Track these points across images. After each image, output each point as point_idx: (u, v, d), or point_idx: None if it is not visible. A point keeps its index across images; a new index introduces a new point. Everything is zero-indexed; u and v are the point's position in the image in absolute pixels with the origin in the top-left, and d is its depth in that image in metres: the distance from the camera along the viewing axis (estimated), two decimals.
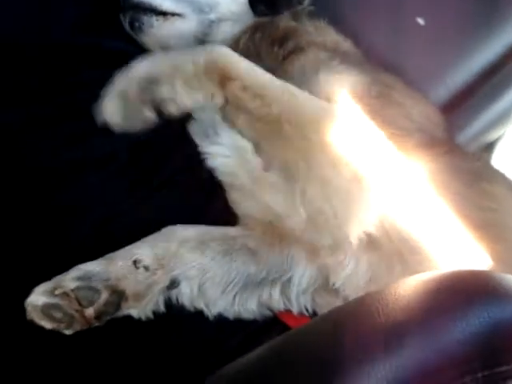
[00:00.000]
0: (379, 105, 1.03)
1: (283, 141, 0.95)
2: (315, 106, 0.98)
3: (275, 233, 1.00)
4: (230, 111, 0.98)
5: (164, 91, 0.92)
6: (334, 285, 0.97)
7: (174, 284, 0.91)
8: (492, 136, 1.36)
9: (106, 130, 0.94)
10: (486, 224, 0.96)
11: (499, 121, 1.33)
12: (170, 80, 0.93)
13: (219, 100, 0.97)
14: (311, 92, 1.00)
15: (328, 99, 1.01)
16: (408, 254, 0.93)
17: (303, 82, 1.03)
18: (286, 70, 1.09)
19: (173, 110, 0.93)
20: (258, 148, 0.99)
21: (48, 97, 1.00)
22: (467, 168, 1.03)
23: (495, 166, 1.23)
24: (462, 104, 1.32)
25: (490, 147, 1.37)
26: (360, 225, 0.93)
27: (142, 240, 0.91)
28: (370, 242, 0.94)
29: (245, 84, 0.95)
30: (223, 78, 0.95)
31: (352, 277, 0.95)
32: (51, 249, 0.94)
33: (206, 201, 1.05)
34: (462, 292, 0.56)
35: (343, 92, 1.02)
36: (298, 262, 0.99)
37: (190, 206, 1.04)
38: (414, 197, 0.96)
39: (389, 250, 0.94)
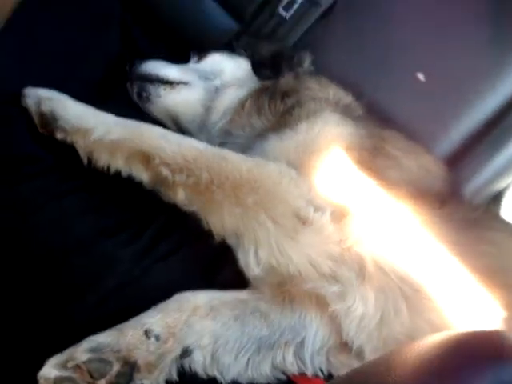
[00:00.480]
0: (370, 156, 1.05)
1: (220, 209, 0.96)
2: (254, 168, 0.99)
3: (285, 293, 1.00)
4: (165, 190, 0.99)
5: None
6: (347, 335, 0.96)
7: (186, 353, 0.90)
8: (500, 185, 1.35)
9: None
10: (486, 269, 0.95)
11: (505, 170, 1.33)
12: None
13: (145, 178, 0.99)
14: (306, 142, 1.04)
15: (321, 149, 1.03)
16: (412, 295, 0.93)
17: (300, 132, 1.07)
18: (285, 122, 1.13)
19: None
20: (204, 220, 0.99)
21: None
22: (464, 217, 1.04)
23: (498, 214, 1.24)
24: (467, 155, 1.31)
25: (498, 196, 1.36)
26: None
27: (152, 308, 0.92)
28: (372, 281, 0.94)
29: (165, 160, 0.97)
30: (144, 157, 0.98)
31: (363, 321, 0.94)
32: (64, 318, 0.94)
33: (216, 265, 1.05)
34: (470, 357, 0.55)
35: (336, 143, 1.04)
36: (310, 321, 0.99)
37: (200, 271, 1.04)
38: (408, 241, 0.98)
39: (393, 291, 0.93)
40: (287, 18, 1.44)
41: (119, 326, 0.88)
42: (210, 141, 1.24)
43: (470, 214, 1.06)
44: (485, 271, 0.95)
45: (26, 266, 0.96)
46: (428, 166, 1.14)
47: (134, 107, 1.32)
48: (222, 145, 1.22)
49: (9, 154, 0.98)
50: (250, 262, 0.98)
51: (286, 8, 1.43)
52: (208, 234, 1.00)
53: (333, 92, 1.27)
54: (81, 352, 0.82)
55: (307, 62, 1.34)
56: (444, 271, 0.96)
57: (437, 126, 1.34)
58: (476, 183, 1.32)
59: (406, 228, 0.99)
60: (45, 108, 1.01)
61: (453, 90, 1.34)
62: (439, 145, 1.32)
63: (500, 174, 1.34)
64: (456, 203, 1.07)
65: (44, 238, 0.96)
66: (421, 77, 1.35)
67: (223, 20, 1.52)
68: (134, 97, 1.32)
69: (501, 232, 1.06)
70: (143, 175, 0.99)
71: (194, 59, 1.42)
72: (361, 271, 0.95)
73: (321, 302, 0.98)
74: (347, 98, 1.28)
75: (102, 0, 1.49)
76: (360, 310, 0.94)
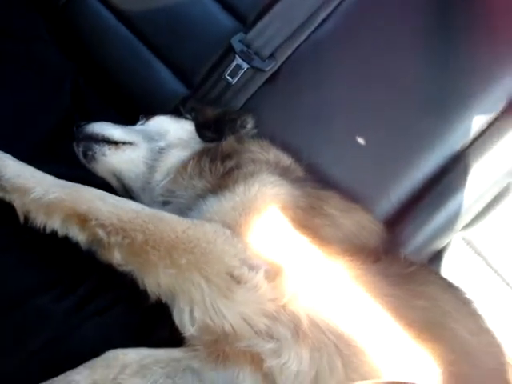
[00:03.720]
0: (306, 215, 1.08)
1: (155, 269, 0.98)
2: (189, 228, 1.01)
3: (220, 351, 0.99)
4: (101, 250, 1.00)
5: None
6: None
7: None
8: (440, 244, 1.38)
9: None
10: (419, 323, 0.97)
11: (445, 229, 1.36)
12: None
13: (82, 239, 1.00)
14: (243, 203, 1.07)
15: (257, 210, 1.06)
16: (348, 351, 0.94)
17: (237, 193, 1.10)
18: (225, 183, 1.15)
19: None
20: (140, 279, 1.00)
21: None
22: (399, 272, 1.06)
23: (433, 270, 1.27)
24: (407, 215, 1.34)
25: (439, 254, 1.39)
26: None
27: (82, 365, 0.90)
28: (307, 338, 0.95)
29: (101, 222, 0.99)
30: (81, 219, 1.00)
31: (297, 378, 0.94)
32: None
33: (151, 322, 1.05)
34: None
35: (272, 203, 1.07)
36: (243, 378, 0.98)
37: (134, 329, 1.04)
38: (343, 297, 1.00)
39: (328, 348, 0.94)
40: (233, 83, 1.49)
41: (48, 382, 0.86)
42: (153, 200, 1.27)
43: (405, 269, 1.08)
44: (418, 325, 0.97)
45: None
46: (363, 222, 1.17)
47: (80, 167, 1.34)
48: (164, 204, 1.24)
49: None
50: (185, 322, 0.98)
51: (232, 74, 1.49)
52: (143, 293, 1.00)
53: (273, 154, 1.32)
54: None
55: (250, 124, 1.39)
56: (378, 325, 0.97)
57: (375, 187, 1.37)
58: (417, 242, 1.35)
59: (340, 284, 1.01)
60: None
61: (391, 150, 1.38)
62: (379, 205, 1.35)
63: (440, 232, 1.36)
64: (391, 258, 1.10)
65: None
66: (361, 141, 1.40)
67: (172, 85, 1.58)
68: (80, 156, 1.34)
69: (435, 285, 1.09)
70: (79, 236, 1.00)
71: (141, 121, 1.46)
72: (296, 328, 0.96)
73: (256, 359, 0.97)
74: (287, 160, 1.32)
75: (55, 63, 1.54)
76: (295, 366, 0.94)
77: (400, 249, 1.28)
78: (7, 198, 1.02)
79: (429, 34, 1.42)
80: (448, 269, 1.36)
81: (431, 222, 1.35)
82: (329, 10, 1.47)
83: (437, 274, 1.23)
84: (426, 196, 1.37)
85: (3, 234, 1.02)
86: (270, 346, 0.96)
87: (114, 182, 1.35)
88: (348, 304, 0.99)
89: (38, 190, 1.01)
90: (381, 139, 1.39)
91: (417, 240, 1.35)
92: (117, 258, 0.99)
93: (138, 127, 1.43)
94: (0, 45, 1.44)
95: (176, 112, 1.49)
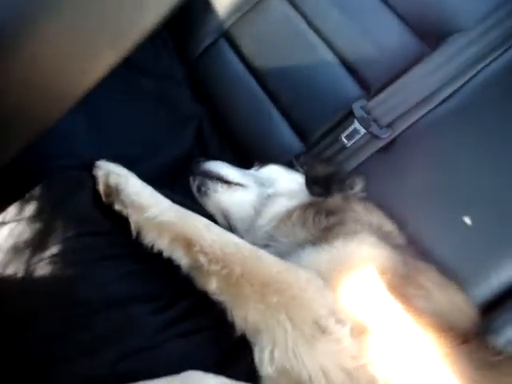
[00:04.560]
0: (402, 283, 1.08)
1: (245, 303, 1.01)
2: (284, 271, 1.04)
3: None
4: (200, 276, 1.06)
5: None
6: None
7: None
8: None
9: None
10: None
11: None
12: None
13: (184, 262, 1.06)
14: (340, 257, 1.09)
15: (352, 266, 1.07)
16: None
17: (335, 247, 1.12)
18: (325, 237, 1.18)
19: None
20: (229, 311, 1.03)
21: None
22: (485, 359, 1.02)
23: None
24: (505, 303, 1.29)
25: None
26: None
27: (161, 378, 0.93)
28: None
29: (204, 249, 1.04)
30: (186, 243, 1.06)
31: None
32: (76, 369, 0.97)
33: (231, 357, 1.07)
34: None
35: (369, 263, 1.08)
36: None
37: (215, 358, 1.06)
38: (424, 371, 0.97)
39: None
40: (348, 145, 1.54)
41: None
42: (254, 241, 1.31)
43: (492, 357, 1.04)
44: None
45: (57, 310, 1.02)
46: (457, 301, 1.15)
47: (193, 200, 1.43)
48: (264, 247, 1.28)
49: (69, 208, 1.08)
50: (265, 360, 1.00)
51: (349, 137, 1.54)
52: (231, 326, 1.04)
53: (377, 217, 1.33)
54: None
55: (358, 186, 1.42)
56: None
57: (476, 270, 1.33)
58: (507, 335, 1.28)
59: (425, 358, 0.99)
60: (112, 181, 1.13)
61: (498, 235, 1.35)
62: (477, 288, 1.31)
63: None
64: (479, 344, 1.06)
65: (81, 289, 1.03)
66: (468, 221, 1.38)
67: (290, 139, 1.66)
68: (194, 189, 1.44)
69: None
70: (183, 259, 1.07)
71: (255, 167, 1.54)
72: None
73: None
74: (390, 226, 1.33)
75: (185, 104, 1.69)
76: None
77: (491, 336, 1.23)
78: (124, 212, 1.11)
79: None
80: None
81: None
82: (454, 87, 1.48)
83: None
84: None
85: (118, 243, 1.10)
86: None
87: (221, 219, 1.43)
88: (428, 379, 0.96)
89: (154, 210, 1.10)
90: (489, 222, 1.36)
91: (508, 333, 1.28)
92: (213, 285, 1.04)
93: (251, 171, 1.52)
94: (136, 80, 1.61)
95: (289, 164, 1.55)
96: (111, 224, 1.11)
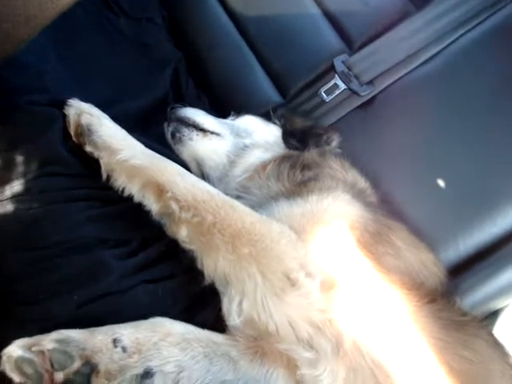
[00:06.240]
0: (372, 240, 1.08)
1: (216, 253, 1.01)
2: (258, 222, 1.03)
3: (258, 347, 1.00)
4: (170, 223, 1.05)
5: None
6: None
7: (147, 374, 0.89)
8: (498, 304, 1.34)
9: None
10: (461, 373, 0.95)
11: (506, 291, 1.32)
12: None
13: (155, 208, 1.05)
14: (312, 213, 1.08)
15: (325, 222, 1.07)
16: (383, 380, 0.93)
17: (309, 202, 1.12)
18: (299, 191, 1.17)
19: None
20: (199, 259, 1.03)
21: None
22: (451, 318, 1.04)
23: (486, 325, 1.22)
24: (471, 266, 1.31)
25: (494, 315, 1.35)
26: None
27: (128, 322, 0.93)
28: (346, 357, 0.95)
29: (177, 196, 1.03)
30: (158, 188, 1.04)
31: None
32: (43, 309, 0.96)
33: (199, 304, 1.07)
34: None
35: (341, 220, 1.08)
36: (276, 378, 0.98)
37: (183, 305, 1.06)
38: (391, 327, 0.98)
39: (364, 372, 0.94)
40: (327, 100, 1.53)
41: (91, 329, 0.89)
42: (226, 192, 1.30)
43: (458, 317, 1.06)
44: (460, 375, 0.95)
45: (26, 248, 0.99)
46: (426, 261, 1.16)
47: (166, 146, 1.40)
48: (237, 198, 1.26)
49: (37, 146, 1.04)
50: (233, 311, 1.00)
51: (328, 92, 1.53)
52: (200, 273, 1.03)
53: (352, 175, 1.33)
54: (48, 340, 0.83)
55: (335, 142, 1.41)
56: (420, 364, 0.96)
57: (446, 232, 1.35)
58: (474, 297, 1.31)
59: (391, 314, 1.00)
60: (84, 120, 1.08)
61: (470, 199, 1.37)
62: (445, 250, 1.33)
63: (500, 293, 1.32)
64: (446, 303, 1.08)
65: (48, 230, 1.00)
66: (441, 183, 1.39)
67: (268, 91, 1.63)
68: (168, 136, 1.40)
69: (483, 341, 1.06)
70: (153, 205, 1.05)
71: (232, 117, 1.51)
72: (337, 345, 0.96)
73: (291, 365, 0.97)
74: (364, 184, 1.33)
75: (163, 47, 1.63)
76: (328, 381, 0.94)
77: (457, 298, 1.25)
78: (96, 154, 1.07)
79: None
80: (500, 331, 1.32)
81: (494, 281, 1.31)
82: (436, 49, 1.47)
83: (488, 329, 1.18)
84: (495, 252, 1.33)
85: (87, 185, 1.07)
86: (308, 355, 0.96)
87: (194, 167, 1.40)
88: (394, 335, 0.98)
89: (126, 152, 1.06)
90: (461, 187, 1.38)
91: (475, 295, 1.31)
92: (183, 233, 1.03)
93: (227, 121, 1.49)
94: (113, 20, 1.53)
95: (266, 116, 1.53)
96: (80, 165, 1.08)
